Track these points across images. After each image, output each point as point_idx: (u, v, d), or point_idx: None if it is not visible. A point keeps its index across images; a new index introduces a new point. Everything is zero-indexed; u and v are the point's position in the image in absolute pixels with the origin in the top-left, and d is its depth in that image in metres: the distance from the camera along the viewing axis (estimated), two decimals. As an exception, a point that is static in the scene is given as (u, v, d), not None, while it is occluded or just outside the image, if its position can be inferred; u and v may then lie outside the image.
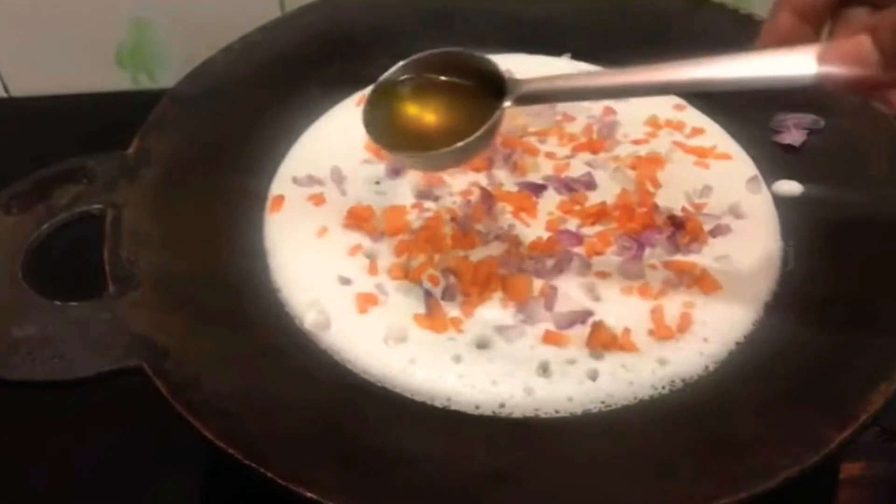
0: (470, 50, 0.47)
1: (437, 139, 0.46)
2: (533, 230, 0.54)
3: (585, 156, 0.59)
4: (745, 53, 0.41)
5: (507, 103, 0.45)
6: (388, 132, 0.48)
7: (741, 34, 0.63)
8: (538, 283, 0.51)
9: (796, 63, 0.40)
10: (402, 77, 0.48)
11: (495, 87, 0.46)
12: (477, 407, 0.47)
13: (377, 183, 0.58)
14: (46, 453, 0.55)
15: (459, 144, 0.45)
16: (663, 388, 0.48)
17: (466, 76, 0.47)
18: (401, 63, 0.48)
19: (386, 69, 0.63)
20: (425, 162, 0.48)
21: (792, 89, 0.41)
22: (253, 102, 0.60)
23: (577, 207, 0.56)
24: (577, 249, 0.53)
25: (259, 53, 0.63)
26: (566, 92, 0.47)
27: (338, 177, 0.57)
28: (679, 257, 0.53)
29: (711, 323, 0.50)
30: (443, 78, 0.48)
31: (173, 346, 0.46)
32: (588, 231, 0.54)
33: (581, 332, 0.49)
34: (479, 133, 0.45)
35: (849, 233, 0.53)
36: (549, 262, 0.52)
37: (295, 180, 0.57)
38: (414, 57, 0.48)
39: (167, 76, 0.78)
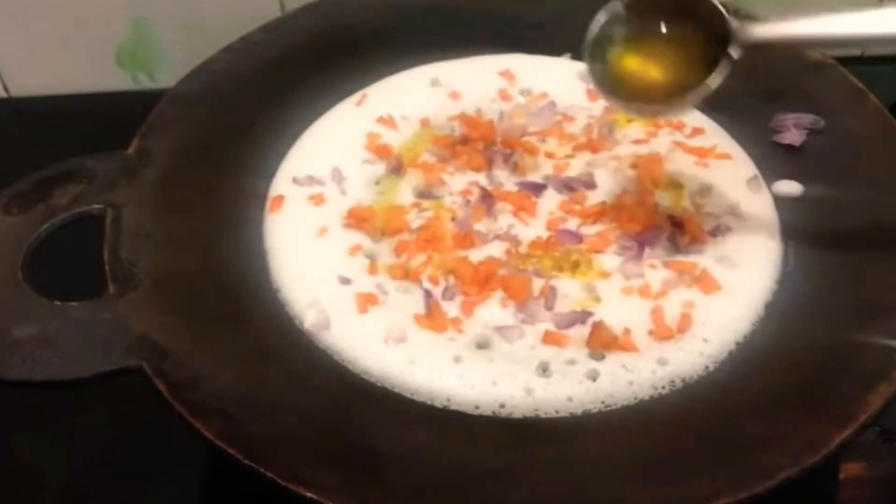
0: None
1: (657, 88, 0.47)
2: (533, 230, 0.54)
3: (585, 156, 0.59)
4: None
5: (733, 54, 0.44)
6: (609, 83, 0.48)
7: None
8: (538, 283, 0.51)
9: None
10: (614, 27, 0.48)
11: (716, 30, 0.45)
12: (477, 407, 0.47)
13: (377, 183, 0.58)
14: (47, 453, 0.55)
15: (689, 96, 0.46)
16: (663, 388, 0.48)
17: (682, 18, 0.47)
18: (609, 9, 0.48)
19: (386, 69, 0.64)
20: (652, 111, 0.50)
21: None
22: (253, 102, 0.60)
23: (577, 207, 0.56)
24: (578, 248, 0.53)
25: (259, 53, 0.63)
26: (806, 39, 0.45)
27: (338, 177, 0.57)
28: (679, 257, 0.53)
29: (711, 323, 0.50)
30: (661, 28, 0.47)
31: (173, 346, 0.46)
32: (588, 231, 0.54)
33: (581, 332, 0.49)
34: (708, 84, 0.45)
35: (849, 233, 0.53)
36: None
37: (295, 180, 0.57)
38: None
39: (167, 76, 0.78)
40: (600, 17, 0.48)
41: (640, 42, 0.48)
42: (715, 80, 0.46)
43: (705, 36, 0.46)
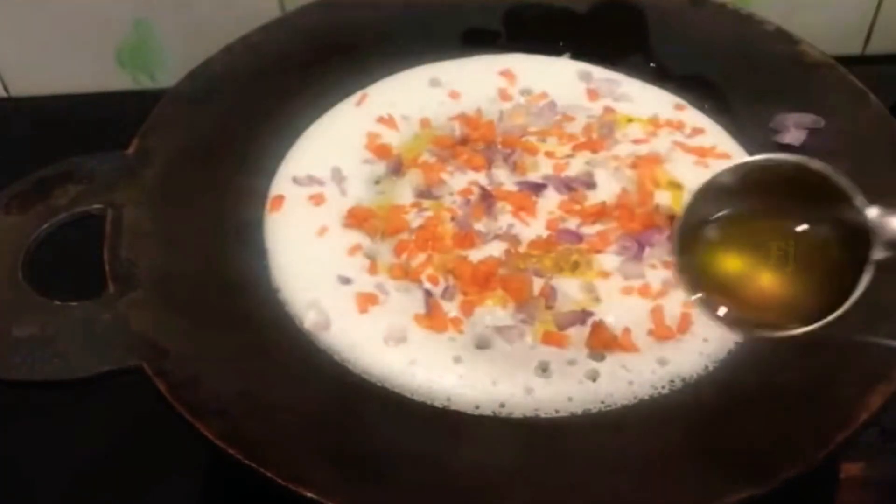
0: (804, 161, 0.35)
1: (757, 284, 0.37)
2: (533, 229, 0.54)
3: (585, 155, 0.59)
4: None
5: (876, 255, 0.34)
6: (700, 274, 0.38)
7: (741, 34, 0.64)
8: (538, 283, 0.51)
9: None
10: (715, 213, 0.38)
11: (843, 224, 0.34)
12: (477, 407, 0.47)
13: (377, 183, 0.58)
14: (46, 453, 0.55)
15: (822, 322, 0.35)
16: (663, 388, 0.48)
17: (793, 200, 0.36)
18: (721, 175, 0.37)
19: (386, 69, 0.64)
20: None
21: None
22: (253, 102, 0.60)
23: (577, 207, 0.56)
24: (578, 248, 0.53)
25: (259, 53, 0.63)
26: None
27: (338, 177, 0.57)
28: (679, 257, 0.53)
29: (711, 323, 0.50)
30: (764, 220, 0.37)
31: (173, 346, 0.46)
32: (588, 230, 0.54)
33: (581, 332, 0.49)
34: (848, 304, 0.35)
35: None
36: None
37: (295, 180, 0.57)
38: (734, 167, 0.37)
39: (167, 76, 0.78)
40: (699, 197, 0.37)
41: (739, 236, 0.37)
42: (856, 295, 0.35)
43: (833, 231, 0.35)
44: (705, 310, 0.38)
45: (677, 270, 0.38)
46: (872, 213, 0.34)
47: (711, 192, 0.37)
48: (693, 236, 0.38)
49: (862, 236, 0.34)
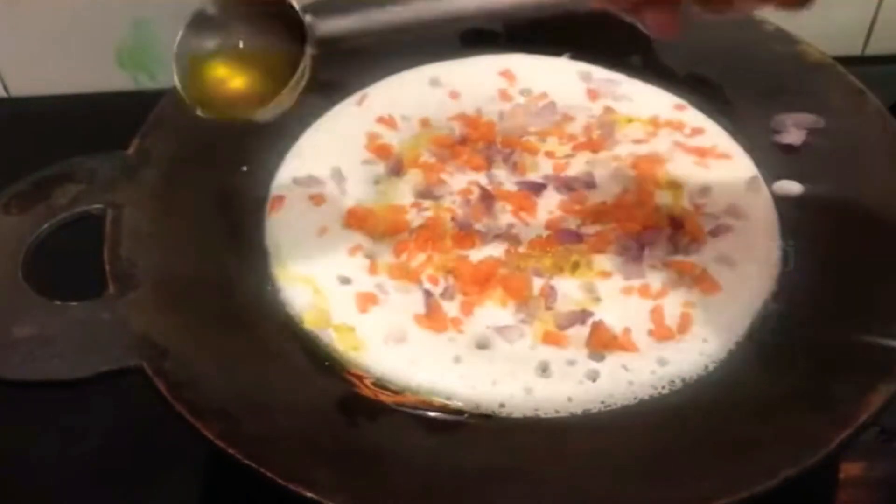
0: None
1: (245, 90, 0.48)
2: (533, 229, 0.54)
3: (585, 155, 0.59)
4: None
5: (309, 51, 0.45)
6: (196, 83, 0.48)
7: (740, 34, 0.64)
8: (538, 283, 0.51)
9: None
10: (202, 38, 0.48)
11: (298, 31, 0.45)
12: (477, 407, 0.47)
13: (377, 183, 0.58)
14: (46, 453, 0.55)
15: (267, 107, 0.46)
16: (663, 388, 0.48)
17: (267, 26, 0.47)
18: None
19: (386, 69, 0.64)
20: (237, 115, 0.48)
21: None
22: (253, 102, 0.60)
23: (577, 207, 0.56)
24: (578, 248, 0.53)
25: (259, 53, 0.62)
26: (374, 26, 0.46)
27: (338, 177, 0.57)
28: (679, 257, 0.53)
29: (711, 323, 0.50)
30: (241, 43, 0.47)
31: (173, 346, 0.46)
32: (588, 230, 0.54)
33: (581, 332, 0.49)
34: (285, 91, 0.46)
35: (849, 233, 0.53)
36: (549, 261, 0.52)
37: (295, 180, 0.57)
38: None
39: (167, 76, 0.77)
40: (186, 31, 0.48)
41: (228, 52, 0.48)
42: (297, 83, 0.46)
43: (285, 36, 0.46)
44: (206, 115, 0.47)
45: (181, 91, 0.48)
46: (307, 19, 0.45)
47: (201, 24, 0.47)
48: (191, 63, 0.48)
49: (301, 36, 0.45)
